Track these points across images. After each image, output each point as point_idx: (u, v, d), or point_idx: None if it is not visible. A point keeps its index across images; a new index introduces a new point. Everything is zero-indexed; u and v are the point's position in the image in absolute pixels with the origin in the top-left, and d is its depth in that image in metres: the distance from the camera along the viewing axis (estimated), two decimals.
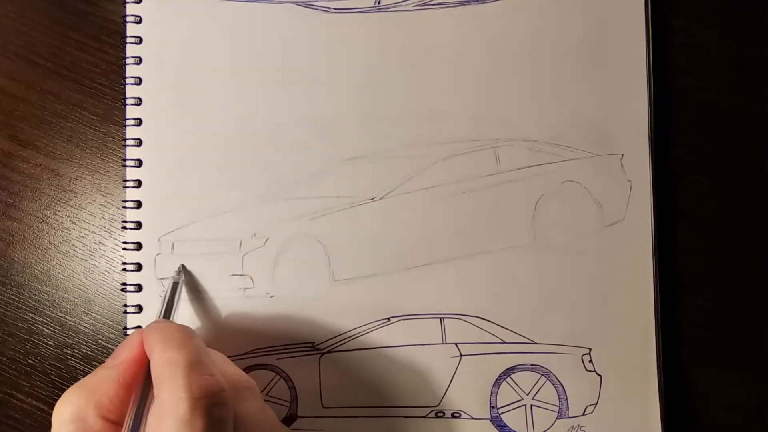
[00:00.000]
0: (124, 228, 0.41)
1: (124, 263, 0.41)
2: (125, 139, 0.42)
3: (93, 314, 0.43)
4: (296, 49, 0.42)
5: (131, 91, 0.42)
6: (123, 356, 0.33)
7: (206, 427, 0.29)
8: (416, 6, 0.43)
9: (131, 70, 0.42)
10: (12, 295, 0.43)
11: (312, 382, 0.41)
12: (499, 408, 0.41)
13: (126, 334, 0.41)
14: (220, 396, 0.30)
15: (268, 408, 0.34)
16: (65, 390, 0.41)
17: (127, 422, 0.31)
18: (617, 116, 0.42)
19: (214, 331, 0.41)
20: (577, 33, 0.43)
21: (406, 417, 0.41)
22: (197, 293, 0.41)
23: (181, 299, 0.40)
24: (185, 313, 0.41)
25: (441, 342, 0.41)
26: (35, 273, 0.43)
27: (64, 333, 0.43)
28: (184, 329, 0.33)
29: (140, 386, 0.32)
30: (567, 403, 0.41)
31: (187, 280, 0.41)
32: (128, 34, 0.42)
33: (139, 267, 0.41)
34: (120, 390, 0.32)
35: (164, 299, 0.38)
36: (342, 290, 0.41)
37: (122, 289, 0.41)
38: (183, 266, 0.41)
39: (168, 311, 0.38)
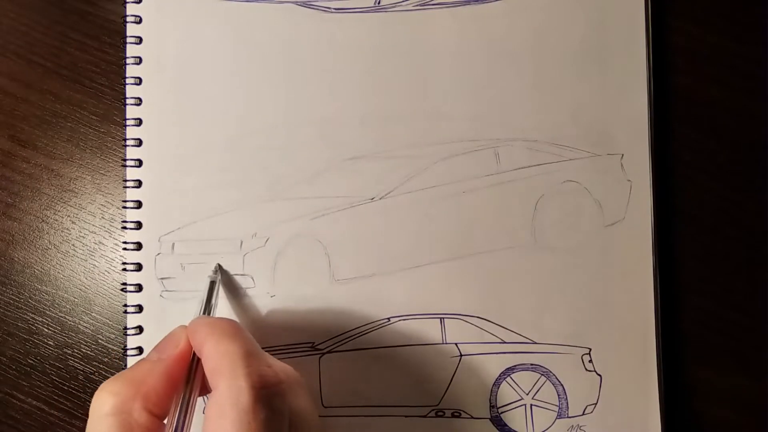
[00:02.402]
0: (124, 228, 0.41)
1: (124, 263, 0.41)
2: (125, 139, 0.42)
3: (93, 314, 0.43)
4: (296, 49, 0.42)
5: (131, 91, 0.42)
6: (168, 351, 0.32)
7: (268, 417, 0.28)
8: (416, 6, 0.43)
9: (131, 70, 0.42)
10: (12, 295, 0.43)
11: (312, 382, 0.41)
12: (499, 408, 0.41)
13: (126, 334, 0.41)
14: (279, 387, 0.30)
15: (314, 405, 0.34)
16: (65, 390, 0.41)
17: (173, 418, 0.30)
18: (617, 116, 0.42)
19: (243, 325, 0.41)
20: (577, 33, 0.43)
21: (406, 416, 0.41)
22: (198, 293, 0.41)
23: (219, 298, 0.40)
24: (186, 314, 0.41)
25: (441, 342, 0.41)
26: (35, 273, 0.43)
27: (64, 333, 0.43)
28: (232, 322, 0.33)
29: (186, 382, 0.32)
30: (567, 403, 0.41)
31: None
32: (128, 34, 0.42)
33: (139, 267, 0.41)
34: (166, 384, 0.31)
35: (203, 298, 0.38)
36: (342, 290, 0.41)
37: (122, 289, 0.41)
38: (219, 265, 0.41)
39: (208, 310, 0.37)
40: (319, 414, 0.33)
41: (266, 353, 0.33)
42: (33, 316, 0.43)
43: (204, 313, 0.37)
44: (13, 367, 0.43)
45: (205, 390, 0.33)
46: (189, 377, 0.32)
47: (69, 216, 0.44)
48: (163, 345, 0.33)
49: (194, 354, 0.32)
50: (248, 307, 0.41)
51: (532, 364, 0.42)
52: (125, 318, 0.41)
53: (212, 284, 0.39)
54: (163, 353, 0.32)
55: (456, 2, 0.43)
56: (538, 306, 0.42)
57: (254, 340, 0.32)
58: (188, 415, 0.31)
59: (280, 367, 0.32)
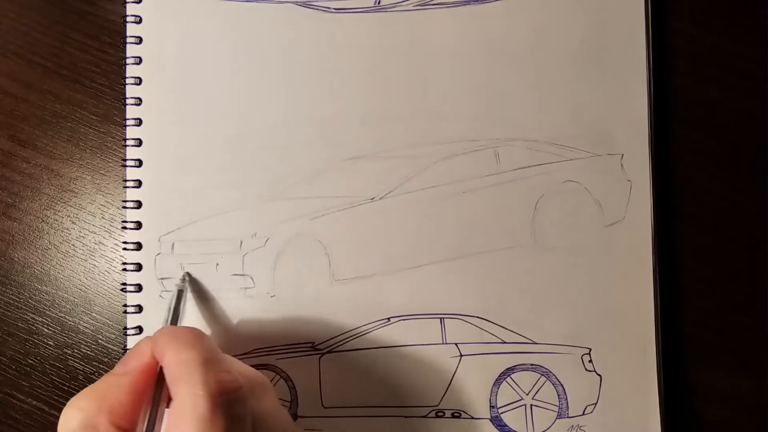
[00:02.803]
0: (124, 228, 0.41)
1: (124, 263, 0.41)
2: (125, 139, 0.42)
3: (93, 314, 0.43)
4: (296, 49, 0.42)
5: (131, 91, 0.42)
6: (133, 363, 0.32)
7: (227, 424, 0.28)
8: (416, 6, 0.43)
9: (131, 70, 0.42)
10: (12, 295, 0.43)
11: (312, 382, 0.41)
12: (499, 408, 0.41)
13: (126, 334, 0.41)
14: (239, 393, 0.30)
15: (282, 406, 0.34)
16: (65, 390, 0.41)
17: (141, 429, 0.30)
18: (617, 116, 0.42)
19: (214, 331, 0.41)
20: (577, 33, 0.43)
21: (406, 417, 0.41)
22: (197, 293, 0.41)
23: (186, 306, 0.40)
24: (186, 314, 0.41)
25: (441, 342, 0.41)
26: (35, 273, 0.43)
27: (64, 333, 0.43)
28: (194, 330, 0.33)
29: (152, 393, 0.32)
30: (567, 403, 0.41)
31: (192, 287, 0.41)
32: (128, 34, 0.42)
33: (139, 267, 0.41)
34: (132, 397, 0.31)
35: (170, 307, 0.38)
36: (342, 290, 0.41)
37: (122, 289, 0.41)
38: (188, 274, 0.41)
39: (174, 319, 0.38)
40: (290, 413, 0.32)
41: (229, 358, 0.33)
42: (33, 316, 0.43)
43: (170, 323, 0.37)
44: (13, 367, 0.43)
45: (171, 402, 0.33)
46: (155, 389, 0.32)
47: (69, 216, 0.44)
48: (129, 357, 0.33)
49: (160, 366, 0.32)
50: (248, 308, 0.41)
51: (532, 364, 0.42)
52: (125, 318, 0.41)
53: (179, 293, 0.39)
54: (128, 366, 0.32)
55: (456, 2, 0.43)
56: (538, 306, 0.42)
57: (216, 347, 0.32)
58: (156, 428, 0.31)
59: (241, 371, 0.32)
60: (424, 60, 0.43)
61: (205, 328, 0.41)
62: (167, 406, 0.32)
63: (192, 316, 0.41)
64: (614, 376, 0.42)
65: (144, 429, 0.30)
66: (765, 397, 0.42)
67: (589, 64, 0.43)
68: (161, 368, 0.32)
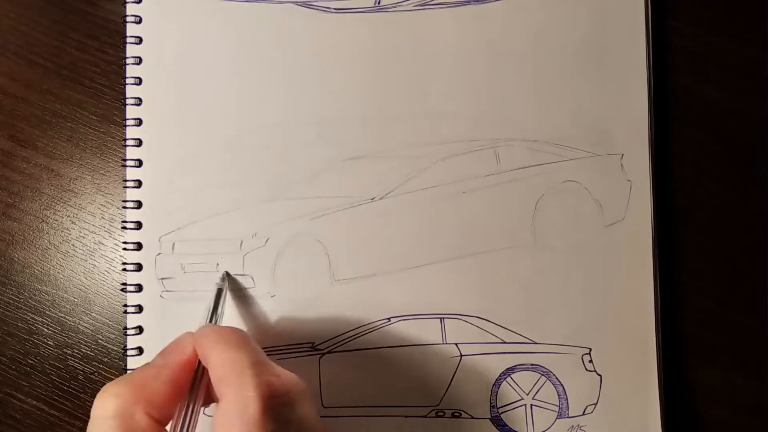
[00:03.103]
0: (124, 228, 0.41)
1: (124, 263, 0.41)
2: (125, 139, 0.42)
3: (93, 314, 0.43)
4: (296, 49, 0.42)
5: (131, 91, 0.42)
6: (173, 357, 0.32)
7: (275, 427, 0.28)
8: (416, 6, 0.43)
9: (131, 70, 0.42)
10: (12, 295, 0.43)
11: (312, 382, 0.41)
12: (499, 408, 0.41)
13: (126, 334, 0.41)
14: (288, 397, 0.30)
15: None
16: (65, 390, 0.41)
17: (176, 425, 0.30)
18: (617, 116, 0.42)
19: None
20: (577, 33, 0.43)
21: (406, 417, 0.41)
22: (198, 293, 0.41)
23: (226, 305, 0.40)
24: (187, 314, 0.41)
25: (441, 342, 0.41)
26: (35, 273, 0.43)
27: (64, 333, 0.43)
28: (239, 331, 0.33)
29: (191, 388, 0.31)
30: (567, 403, 0.41)
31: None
32: (128, 34, 0.42)
33: (139, 267, 0.41)
34: (170, 390, 0.31)
35: (210, 306, 0.38)
36: (342, 290, 0.41)
37: (122, 289, 0.41)
38: (227, 273, 0.41)
39: (214, 319, 0.37)
40: (320, 417, 0.32)
41: (273, 362, 0.33)
42: (33, 316, 0.43)
43: (210, 321, 0.37)
44: (13, 367, 0.43)
45: (208, 400, 0.32)
46: (193, 385, 0.32)
47: (69, 216, 0.44)
48: (169, 350, 0.33)
49: (199, 362, 0.32)
50: (249, 308, 0.41)
51: (532, 364, 0.42)
52: (125, 318, 0.41)
53: (219, 292, 0.39)
54: (168, 359, 0.32)
55: (456, 2, 0.43)
56: (538, 306, 0.42)
57: (261, 350, 0.32)
58: (192, 424, 0.30)
59: (287, 377, 0.31)
60: (424, 60, 0.43)
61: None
62: (203, 405, 0.32)
63: (187, 314, 0.41)
64: (614, 376, 0.42)
65: (180, 424, 0.30)
66: (765, 397, 0.42)
67: (589, 64, 0.43)
68: (200, 365, 0.32)
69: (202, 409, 0.32)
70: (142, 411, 0.30)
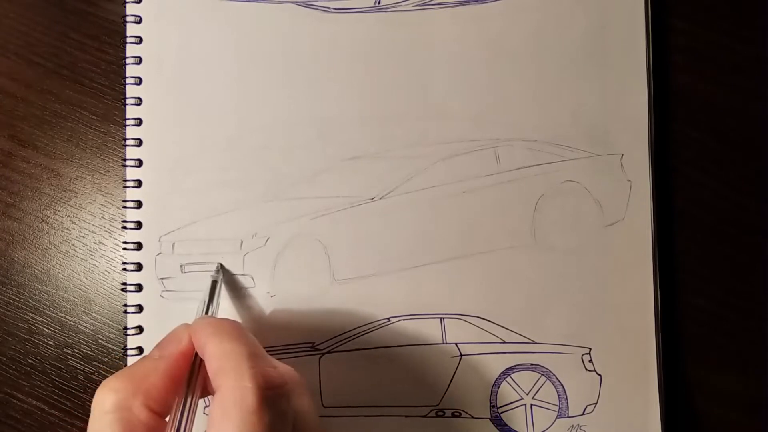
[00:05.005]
0: (124, 228, 0.41)
1: (124, 263, 0.41)
2: (125, 139, 0.42)
3: (93, 314, 0.43)
4: (296, 49, 0.42)
5: (131, 91, 0.42)
6: (170, 349, 0.32)
7: (273, 419, 0.28)
8: (416, 6, 0.43)
9: (131, 70, 0.42)
10: (12, 295, 0.43)
11: (312, 382, 0.41)
12: (499, 407, 0.41)
13: (126, 334, 0.41)
14: (285, 388, 0.30)
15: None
16: (65, 390, 0.41)
17: (174, 417, 0.30)
18: (617, 116, 0.42)
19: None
20: (577, 33, 0.43)
21: (406, 416, 0.41)
22: (198, 293, 0.41)
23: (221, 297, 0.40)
24: (187, 314, 0.41)
25: (441, 342, 0.41)
26: (35, 273, 0.43)
27: (64, 333, 0.43)
28: (235, 323, 0.33)
29: (188, 379, 0.31)
30: (567, 403, 0.41)
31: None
32: (128, 34, 0.42)
33: (139, 267, 0.41)
34: (167, 382, 0.31)
35: (205, 298, 0.38)
36: (342, 290, 0.41)
37: (122, 289, 0.41)
38: (221, 265, 0.41)
39: (209, 310, 0.37)
40: (319, 414, 0.33)
41: (269, 355, 0.33)
42: (33, 316, 0.43)
43: (206, 314, 0.37)
44: (13, 367, 0.43)
45: (205, 392, 0.32)
46: (191, 377, 0.32)
47: (69, 216, 0.44)
48: (165, 343, 0.33)
49: (196, 354, 0.32)
50: (248, 307, 0.41)
51: (532, 364, 0.42)
52: (125, 318, 0.41)
53: (214, 284, 0.39)
54: (165, 351, 0.32)
55: (456, 2, 0.43)
56: (538, 306, 0.42)
57: (257, 342, 0.32)
58: (190, 415, 0.30)
59: (284, 368, 0.32)
60: (424, 60, 0.43)
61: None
62: (200, 397, 0.32)
63: (187, 315, 0.41)
64: (614, 376, 0.42)
65: (178, 416, 0.30)
66: (765, 397, 0.42)
67: (589, 64, 0.43)
68: (197, 356, 0.32)
69: (202, 400, 0.32)
70: (140, 404, 0.30)
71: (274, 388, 0.29)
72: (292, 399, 0.30)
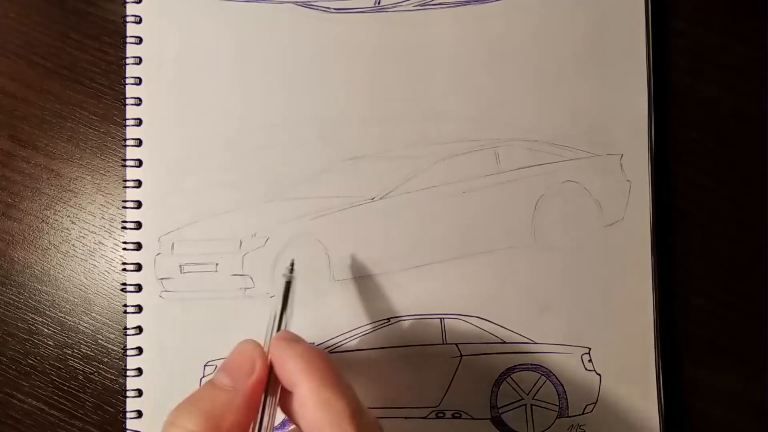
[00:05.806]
0: (124, 228, 0.41)
1: (124, 263, 0.41)
2: (125, 139, 0.42)
3: (93, 314, 0.43)
4: (296, 49, 0.42)
5: (131, 91, 0.42)
6: (244, 378, 0.29)
7: None
8: (416, 6, 0.43)
9: (131, 70, 0.42)
10: (12, 295, 0.43)
11: None
12: (500, 408, 0.41)
13: (126, 334, 0.41)
14: None
15: None
16: (65, 390, 0.41)
17: None
18: (617, 116, 0.42)
19: (213, 332, 0.41)
20: (577, 33, 0.43)
21: (406, 417, 0.41)
22: (197, 293, 0.41)
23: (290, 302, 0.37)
24: (186, 314, 0.41)
25: (441, 342, 0.41)
26: (35, 273, 0.43)
27: (64, 333, 0.43)
28: (326, 360, 0.30)
29: (262, 407, 0.30)
30: (567, 403, 0.42)
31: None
32: (128, 34, 0.42)
33: (139, 267, 0.41)
34: (245, 417, 0.29)
35: (280, 300, 0.34)
36: (342, 290, 0.41)
37: (122, 289, 0.41)
38: (294, 261, 0.36)
39: (282, 319, 0.34)
40: None
41: (365, 407, 0.30)
42: (33, 316, 0.43)
43: (280, 322, 0.33)
44: (13, 367, 0.43)
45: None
46: (263, 404, 0.30)
47: (69, 216, 0.44)
48: (235, 368, 0.30)
49: (270, 376, 0.30)
50: (248, 308, 0.41)
51: (532, 364, 0.42)
52: (125, 318, 0.41)
53: (288, 285, 0.34)
54: (238, 381, 0.29)
55: (456, 2, 0.43)
56: (538, 306, 0.42)
57: (353, 389, 0.30)
58: None
59: (379, 426, 0.30)
60: (424, 60, 0.43)
61: (201, 328, 0.41)
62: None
63: (187, 315, 0.41)
64: (614, 376, 0.42)
65: None
66: (765, 397, 0.42)
67: (589, 64, 0.43)
68: (270, 377, 0.30)
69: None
70: None
71: None
72: None
